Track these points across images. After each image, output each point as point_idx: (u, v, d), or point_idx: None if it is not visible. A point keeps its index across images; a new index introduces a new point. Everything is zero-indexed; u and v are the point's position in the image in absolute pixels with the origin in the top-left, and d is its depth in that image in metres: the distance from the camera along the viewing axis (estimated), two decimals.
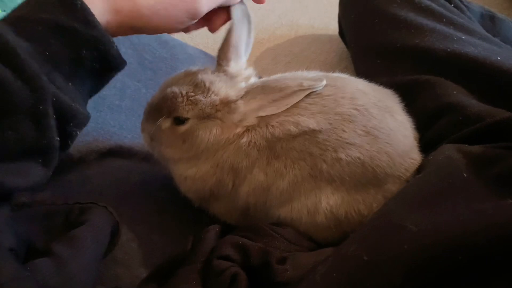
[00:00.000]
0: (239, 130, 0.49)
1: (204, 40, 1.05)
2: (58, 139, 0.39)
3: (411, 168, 0.51)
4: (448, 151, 0.49)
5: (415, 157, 0.52)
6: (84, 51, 0.40)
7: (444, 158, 0.47)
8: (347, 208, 0.49)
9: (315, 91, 0.48)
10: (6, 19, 0.38)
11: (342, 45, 1.03)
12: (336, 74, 0.55)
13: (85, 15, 0.39)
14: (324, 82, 0.48)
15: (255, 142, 0.49)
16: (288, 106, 0.48)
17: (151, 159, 0.55)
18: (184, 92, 0.48)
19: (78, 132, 0.42)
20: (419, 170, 0.51)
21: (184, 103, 0.48)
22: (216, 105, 0.48)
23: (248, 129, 0.49)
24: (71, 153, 0.57)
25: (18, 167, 0.37)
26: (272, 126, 0.48)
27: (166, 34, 0.76)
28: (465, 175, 0.42)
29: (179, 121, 0.49)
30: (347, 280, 0.36)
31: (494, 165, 0.43)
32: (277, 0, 1.21)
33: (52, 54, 0.38)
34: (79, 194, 0.54)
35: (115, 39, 0.43)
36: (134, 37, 0.73)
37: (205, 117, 0.49)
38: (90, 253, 0.43)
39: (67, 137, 0.41)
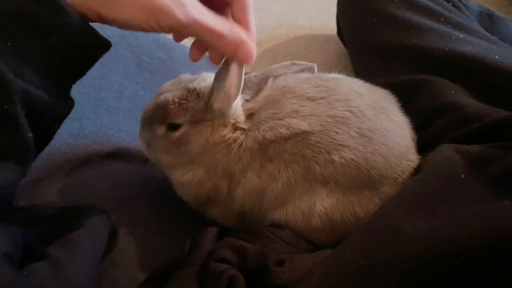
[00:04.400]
0: (226, 131, 0.49)
1: None
2: (31, 135, 0.36)
3: (407, 169, 0.51)
4: (446, 151, 0.48)
5: (412, 158, 0.52)
6: (54, 39, 0.36)
7: (442, 159, 0.47)
8: (343, 210, 0.48)
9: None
10: None
11: (340, 45, 1.02)
12: (330, 75, 0.55)
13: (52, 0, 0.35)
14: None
15: (246, 146, 0.49)
16: (241, 80, 0.45)
17: (149, 162, 0.55)
18: (176, 99, 0.49)
19: (57, 125, 0.39)
20: (416, 170, 0.51)
21: (176, 109, 0.49)
22: (204, 109, 0.49)
23: (239, 132, 0.49)
24: (68, 156, 0.58)
25: None
26: (264, 129, 0.48)
27: (165, 35, 0.76)
28: (463, 176, 0.42)
29: (173, 127, 0.50)
30: (344, 283, 0.36)
31: (492, 165, 0.43)
32: (276, 0, 1.20)
33: (18, 45, 0.35)
34: (76, 197, 0.54)
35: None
36: (132, 39, 0.73)
37: (197, 122, 0.49)
38: (87, 256, 0.43)
39: (45, 130, 0.38)
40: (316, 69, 0.55)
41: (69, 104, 0.41)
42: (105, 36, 0.41)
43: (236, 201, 0.51)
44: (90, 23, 0.39)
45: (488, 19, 0.85)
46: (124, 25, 0.39)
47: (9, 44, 0.34)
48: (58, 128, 0.40)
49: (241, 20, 0.43)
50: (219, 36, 0.40)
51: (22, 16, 0.34)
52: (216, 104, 0.48)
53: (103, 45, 0.40)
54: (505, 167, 0.41)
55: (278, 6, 1.20)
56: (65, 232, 0.45)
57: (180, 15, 0.37)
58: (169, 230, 0.56)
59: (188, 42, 0.49)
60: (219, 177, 0.50)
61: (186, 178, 0.52)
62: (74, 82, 0.42)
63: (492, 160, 0.43)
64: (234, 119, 0.49)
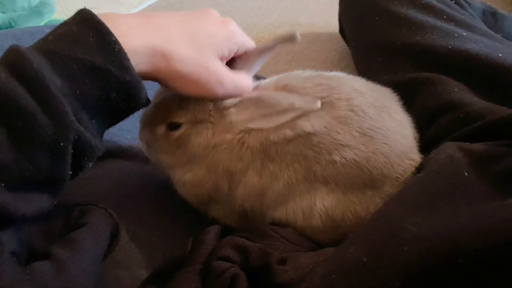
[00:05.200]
0: (229, 135, 0.49)
1: None
2: (70, 172, 0.39)
3: (409, 169, 0.50)
4: (449, 149, 0.48)
5: (414, 157, 0.52)
6: (115, 93, 0.40)
7: (445, 157, 0.47)
8: (343, 209, 0.48)
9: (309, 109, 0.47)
10: (41, 50, 0.37)
11: (342, 43, 1.02)
12: (332, 73, 0.54)
13: (122, 59, 0.38)
14: (319, 104, 0.46)
15: (248, 145, 0.49)
16: (278, 124, 0.47)
17: (151, 161, 0.55)
18: (176, 98, 0.49)
19: (90, 165, 0.42)
20: (419, 169, 0.50)
21: (177, 108, 0.49)
22: (210, 110, 0.49)
23: (241, 132, 0.49)
24: None
25: (26, 195, 0.37)
26: (267, 129, 0.48)
27: None
28: (466, 174, 0.42)
29: (173, 126, 0.50)
30: (346, 282, 0.36)
31: (495, 163, 0.43)
32: None
33: (83, 93, 0.38)
34: (78, 196, 0.54)
35: None
36: None
37: (198, 121, 0.49)
38: (90, 255, 0.43)
39: (79, 169, 0.41)
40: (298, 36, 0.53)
41: (103, 146, 0.44)
42: None
43: (237, 200, 0.51)
44: None
45: (491, 17, 0.84)
46: (170, 88, 0.46)
47: (78, 92, 0.38)
48: (88, 168, 0.42)
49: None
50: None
51: (93, 69, 0.38)
52: (234, 118, 0.48)
53: (146, 103, 0.45)
54: (508, 165, 0.41)
55: (280, 4, 1.20)
56: (68, 231, 0.45)
57: (218, 91, 0.46)
58: (171, 229, 0.56)
59: None
60: (220, 176, 0.50)
61: (187, 178, 0.52)
62: (108, 128, 0.45)
63: (495, 158, 0.43)
64: (233, 124, 0.49)
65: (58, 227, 0.47)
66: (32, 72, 0.35)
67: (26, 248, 0.43)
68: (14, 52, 0.36)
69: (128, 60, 0.39)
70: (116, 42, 0.38)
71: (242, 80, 0.48)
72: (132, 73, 0.40)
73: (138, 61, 0.40)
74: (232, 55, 0.49)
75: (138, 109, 0.45)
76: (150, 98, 0.53)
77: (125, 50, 0.39)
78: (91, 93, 0.39)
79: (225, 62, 0.48)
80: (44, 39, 0.39)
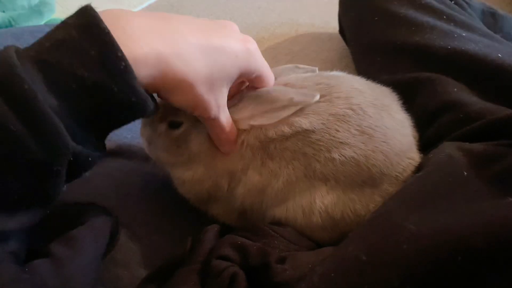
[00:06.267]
0: None
1: None
2: (64, 188, 0.37)
3: (408, 167, 0.50)
4: (449, 149, 0.48)
5: (413, 156, 0.52)
6: (118, 111, 0.36)
7: (444, 157, 0.47)
8: (343, 207, 0.48)
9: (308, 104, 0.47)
10: (36, 61, 0.33)
11: (342, 43, 1.02)
12: (331, 73, 0.54)
13: (128, 78, 0.34)
14: (318, 97, 0.46)
15: (248, 143, 0.49)
16: (279, 119, 0.47)
17: (151, 159, 0.55)
18: None
19: (87, 174, 0.39)
20: (418, 168, 0.51)
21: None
22: None
23: (241, 131, 0.49)
24: None
25: (15, 211, 0.35)
26: (266, 127, 0.48)
27: None
28: (465, 173, 0.42)
29: (174, 125, 0.50)
30: (345, 280, 0.36)
31: (495, 163, 0.43)
32: None
33: (81, 112, 0.34)
34: (78, 195, 0.54)
35: None
36: None
37: (198, 120, 0.49)
38: (89, 254, 0.43)
39: (74, 178, 0.39)
40: (317, 71, 0.55)
41: (103, 153, 0.41)
42: None
43: (237, 199, 0.51)
44: None
45: (491, 17, 0.84)
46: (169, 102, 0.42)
47: (76, 111, 0.34)
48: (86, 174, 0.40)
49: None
50: (222, 131, 0.47)
51: (94, 88, 0.33)
52: (234, 117, 0.48)
53: (154, 110, 0.41)
54: (508, 164, 0.41)
55: (280, 4, 1.20)
56: (67, 229, 0.45)
57: (213, 113, 0.44)
58: (170, 228, 0.56)
59: None
60: (220, 175, 0.51)
61: (187, 176, 0.52)
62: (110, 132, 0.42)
63: (495, 158, 0.43)
64: (234, 122, 0.49)
65: (57, 225, 0.47)
66: (23, 93, 0.31)
67: (24, 246, 0.43)
68: (5, 65, 0.31)
69: (135, 78, 0.34)
70: (122, 58, 0.33)
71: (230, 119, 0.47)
72: (138, 94, 0.35)
73: (146, 74, 0.36)
74: (240, 80, 0.46)
75: (139, 117, 0.41)
76: None
77: (134, 59, 0.34)
78: (90, 113, 0.35)
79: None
80: (41, 44, 0.34)
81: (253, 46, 0.44)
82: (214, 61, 0.40)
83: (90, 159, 0.37)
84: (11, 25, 1.10)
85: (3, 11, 1.14)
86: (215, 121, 0.45)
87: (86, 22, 0.33)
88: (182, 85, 0.39)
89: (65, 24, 0.34)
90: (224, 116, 0.46)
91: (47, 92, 0.32)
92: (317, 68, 0.54)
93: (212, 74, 0.40)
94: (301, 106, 0.47)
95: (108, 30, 0.33)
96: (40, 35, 0.36)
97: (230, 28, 0.44)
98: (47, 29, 0.36)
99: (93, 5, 0.35)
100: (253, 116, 0.48)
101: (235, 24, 0.45)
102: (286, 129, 0.47)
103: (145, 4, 1.32)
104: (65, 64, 0.32)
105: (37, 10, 1.17)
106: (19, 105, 0.31)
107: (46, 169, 0.34)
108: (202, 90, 0.40)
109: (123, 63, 0.33)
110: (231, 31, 0.43)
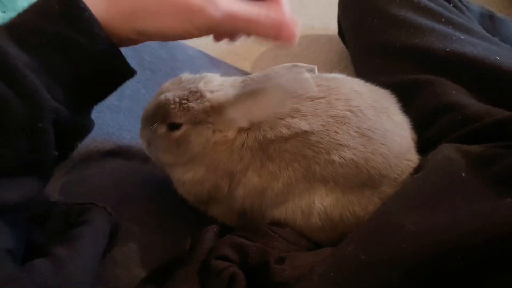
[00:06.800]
0: (231, 133, 0.49)
1: (204, 41, 1.05)
2: (57, 153, 0.37)
3: (407, 169, 0.51)
4: (447, 150, 0.48)
5: (412, 158, 0.52)
6: (88, 65, 0.37)
7: (443, 158, 0.47)
8: (342, 209, 0.48)
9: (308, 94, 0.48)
10: (7, 26, 0.35)
11: (341, 45, 1.02)
12: (331, 75, 0.55)
13: (91, 27, 0.35)
14: (307, 75, 0.45)
15: (247, 145, 0.49)
16: (276, 110, 0.47)
17: (150, 160, 0.56)
18: (177, 99, 0.49)
19: (78, 143, 0.40)
20: (417, 170, 0.51)
21: (177, 109, 0.48)
22: (208, 111, 0.49)
23: (240, 132, 0.49)
24: None
25: (11, 181, 0.36)
26: (264, 129, 0.48)
27: None
28: (463, 174, 0.42)
29: (174, 126, 0.50)
30: (345, 280, 0.36)
31: (493, 164, 0.43)
32: None
33: (54, 67, 0.35)
34: (78, 195, 0.54)
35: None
36: None
37: (198, 122, 0.49)
38: (88, 253, 0.43)
39: (66, 148, 0.39)
40: (316, 71, 0.55)
41: (91, 123, 0.42)
42: None
43: (237, 200, 0.51)
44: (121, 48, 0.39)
45: (489, 20, 0.85)
46: (161, 36, 0.39)
47: (48, 67, 0.35)
48: (77, 146, 0.41)
49: (274, 1, 0.42)
50: (256, 23, 0.39)
51: (60, 40, 0.35)
52: (233, 115, 0.48)
53: (129, 73, 0.41)
54: (506, 166, 0.41)
55: None
56: (67, 229, 0.45)
57: (212, 11, 0.37)
58: (170, 228, 0.56)
59: (189, 40, 0.49)
60: (220, 176, 0.50)
61: (187, 177, 0.52)
62: (96, 104, 0.43)
63: (493, 160, 0.44)
64: (233, 121, 0.49)
65: (57, 224, 0.47)
66: None
67: (23, 245, 0.43)
68: None
69: (99, 28, 0.35)
70: (85, 8, 0.34)
71: (255, 6, 0.40)
72: (104, 41, 0.36)
73: (101, 8, 0.35)
74: None
75: (123, 81, 0.42)
76: (149, 98, 0.54)
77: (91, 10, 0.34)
78: (63, 68, 0.36)
79: None
80: (18, 13, 0.36)
81: None
82: None
83: (74, 122, 0.37)
84: None
85: (4, 12, 1.14)
86: (228, 18, 0.38)
87: None
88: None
89: None
90: (235, 6, 0.38)
91: (18, 50, 0.33)
92: (316, 67, 0.54)
93: None
94: (292, 95, 0.46)
95: None
96: None
97: None
98: None
99: None
100: (250, 112, 0.48)
101: None
102: (285, 131, 0.47)
103: None
104: (30, 22, 0.34)
105: None
106: None
107: (30, 126, 0.34)
108: None
109: (87, 13, 0.34)
110: None
